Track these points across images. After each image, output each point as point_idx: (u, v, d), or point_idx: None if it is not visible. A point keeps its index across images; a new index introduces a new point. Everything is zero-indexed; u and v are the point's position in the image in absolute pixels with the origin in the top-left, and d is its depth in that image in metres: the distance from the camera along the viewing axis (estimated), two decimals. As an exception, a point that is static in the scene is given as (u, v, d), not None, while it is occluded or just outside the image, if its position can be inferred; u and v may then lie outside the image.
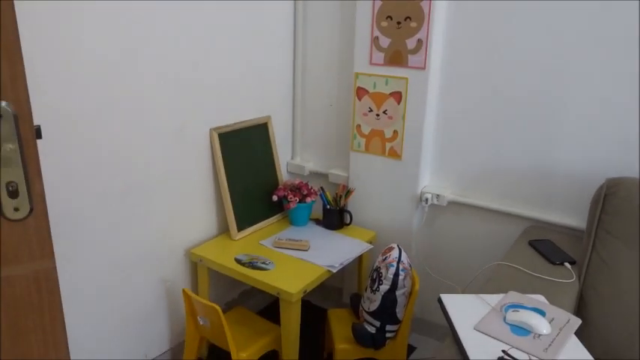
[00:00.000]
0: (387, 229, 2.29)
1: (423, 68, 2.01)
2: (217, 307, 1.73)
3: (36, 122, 0.94)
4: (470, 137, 2.07)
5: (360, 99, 2.20)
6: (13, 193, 0.91)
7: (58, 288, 1.03)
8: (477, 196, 2.12)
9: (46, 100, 1.51)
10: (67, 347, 1.08)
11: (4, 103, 0.87)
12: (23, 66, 0.89)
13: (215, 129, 2.08)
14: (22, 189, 0.92)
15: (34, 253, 0.98)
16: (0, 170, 0.89)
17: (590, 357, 1.20)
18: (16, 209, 0.93)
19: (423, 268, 2.30)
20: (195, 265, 2.12)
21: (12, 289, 0.98)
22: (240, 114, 2.21)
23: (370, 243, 2.18)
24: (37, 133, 0.92)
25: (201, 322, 1.90)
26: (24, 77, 0.90)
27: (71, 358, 1.13)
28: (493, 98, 1.99)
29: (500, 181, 2.05)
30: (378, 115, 2.17)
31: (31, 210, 0.95)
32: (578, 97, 1.83)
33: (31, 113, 0.90)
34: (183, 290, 1.88)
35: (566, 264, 1.68)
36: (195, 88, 1.97)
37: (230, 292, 2.38)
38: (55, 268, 1.01)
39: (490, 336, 1.26)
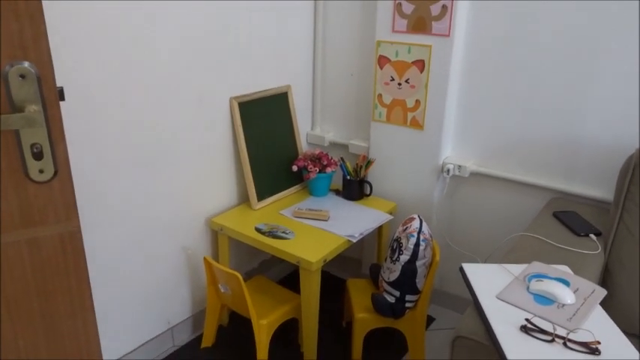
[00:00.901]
0: (407, 201, 2.27)
1: (447, 35, 1.96)
2: (238, 275, 1.75)
3: (58, 84, 0.93)
4: (494, 107, 2.03)
5: (381, 68, 2.16)
6: (38, 155, 0.92)
7: (83, 251, 1.04)
8: (500, 167, 2.08)
9: (68, 64, 1.51)
10: (93, 309, 1.10)
11: (26, 64, 0.86)
12: (45, 26, 0.89)
13: (235, 98, 2.06)
14: (47, 151, 0.92)
15: (59, 216, 0.99)
16: (25, 131, 0.89)
17: (616, 327, 1.18)
18: (41, 171, 0.93)
19: (443, 239, 2.29)
20: (215, 234, 2.14)
21: (39, 250, 1.00)
22: (260, 83, 2.19)
23: (390, 214, 2.16)
24: (60, 95, 0.92)
25: (222, 290, 1.92)
26: (46, 38, 0.89)
27: (97, 325, 1.15)
28: (518, 67, 1.93)
29: (524, 151, 2.01)
30: (399, 84, 2.13)
31: (56, 172, 0.95)
32: (606, 65, 1.77)
33: (53, 74, 0.90)
34: (205, 258, 1.90)
35: (592, 235, 1.65)
36: (215, 56, 1.95)
37: (250, 262, 2.40)
38: (79, 230, 1.02)
39: (513, 305, 1.25)
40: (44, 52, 0.89)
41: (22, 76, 0.87)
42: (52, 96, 0.90)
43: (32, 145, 0.91)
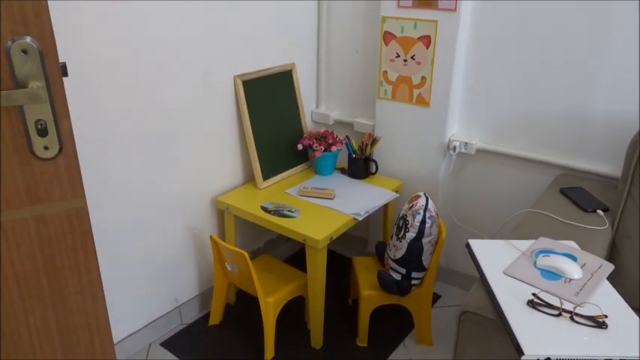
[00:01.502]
0: (413, 178, 2.26)
1: (454, 10, 1.93)
2: (245, 253, 1.75)
3: (60, 60, 0.92)
4: (501, 83, 2.00)
5: (387, 44, 2.13)
6: (42, 132, 0.91)
7: (90, 227, 1.04)
8: (506, 144, 2.06)
9: (69, 40, 1.50)
10: (101, 285, 1.11)
11: (28, 39, 0.85)
12: (46, 1, 0.87)
13: (239, 76, 2.05)
14: (51, 127, 0.92)
15: (65, 193, 0.99)
16: (29, 107, 0.89)
17: (623, 301, 1.18)
18: (46, 148, 0.93)
19: (449, 217, 2.29)
20: (221, 213, 2.15)
21: (46, 227, 1.00)
22: (264, 61, 2.17)
23: (396, 192, 2.16)
24: (63, 71, 0.91)
25: (228, 269, 1.94)
26: (48, 12, 0.88)
27: (105, 301, 1.16)
28: (525, 42, 1.90)
29: (531, 128, 1.99)
30: (405, 60, 2.11)
31: (61, 149, 0.95)
32: (615, 41, 1.73)
33: (56, 49, 0.89)
34: (211, 237, 1.90)
35: (599, 211, 1.64)
36: (219, 34, 1.93)
37: (256, 241, 2.41)
38: (86, 207, 1.02)
39: (520, 280, 1.24)
40: (46, 26, 0.88)
41: (25, 52, 0.86)
42: (55, 71, 0.89)
43: (37, 122, 0.90)
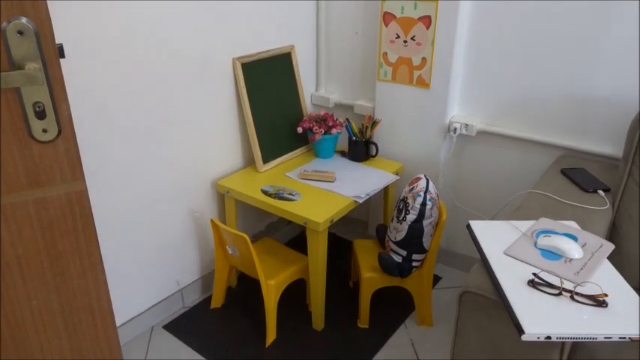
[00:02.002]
0: (413, 161, 2.26)
1: (455, -11, 1.91)
2: (245, 236, 1.75)
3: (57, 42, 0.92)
4: (502, 63, 1.99)
5: (386, 25, 2.11)
6: (41, 114, 0.90)
7: (91, 211, 1.04)
8: (507, 125, 2.06)
9: (66, 21, 1.48)
10: (103, 268, 1.12)
11: (24, 20, 0.84)
12: (41, -19, 0.86)
13: (238, 59, 2.03)
14: (49, 110, 0.91)
15: (65, 176, 0.99)
16: (26, 89, 0.88)
17: (623, 280, 1.18)
18: (45, 130, 0.92)
19: (450, 199, 2.29)
20: (222, 196, 2.15)
21: (47, 211, 1.00)
22: (263, 43, 2.15)
23: (397, 174, 2.16)
24: (60, 52, 0.90)
25: (230, 252, 1.94)
26: (43, -7, 0.87)
27: (107, 284, 1.16)
28: (527, 21, 1.88)
29: (532, 109, 1.98)
30: (405, 41, 2.09)
31: (60, 132, 0.94)
32: (618, 20, 1.71)
33: (52, 30, 0.88)
34: (212, 220, 1.91)
35: (600, 191, 1.63)
36: (217, 16, 1.91)
37: (257, 225, 2.41)
38: (86, 190, 1.02)
39: (520, 260, 1.25)
40: (42, 7, 0.86)
41: (21, 33, 0.85)
42: (51, 53, 0.88)
43: (34, 104, 0.90)
